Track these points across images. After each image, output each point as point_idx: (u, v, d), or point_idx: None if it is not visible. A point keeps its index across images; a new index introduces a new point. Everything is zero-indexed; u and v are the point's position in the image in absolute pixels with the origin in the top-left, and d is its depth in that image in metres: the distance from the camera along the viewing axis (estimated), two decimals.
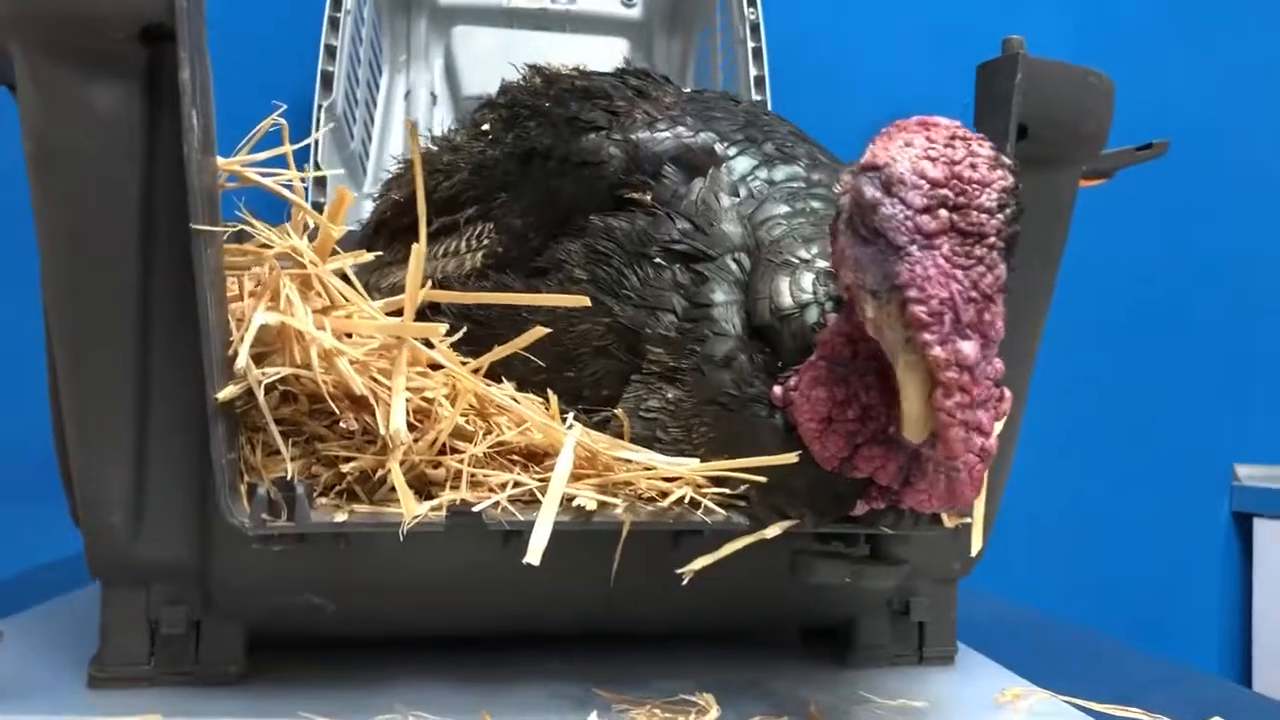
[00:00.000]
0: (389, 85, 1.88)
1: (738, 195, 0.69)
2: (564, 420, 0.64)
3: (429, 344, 0.61)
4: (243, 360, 0.55)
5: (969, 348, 0.48)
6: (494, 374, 0.67)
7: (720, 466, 0.61)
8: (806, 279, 0.61)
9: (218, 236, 0.57)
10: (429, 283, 0.59)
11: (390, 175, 0.99)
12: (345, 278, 0.62)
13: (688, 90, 0.83)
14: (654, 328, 0.66)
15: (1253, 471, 2.06)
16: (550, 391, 0.65)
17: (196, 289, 0.55)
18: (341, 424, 0.59)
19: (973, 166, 0.49)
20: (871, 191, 0.50)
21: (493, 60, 1.87)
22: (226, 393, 0.55)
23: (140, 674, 0.63)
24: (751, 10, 1.69)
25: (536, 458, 0.63)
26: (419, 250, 0.59)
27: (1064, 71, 0.68)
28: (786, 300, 0.61)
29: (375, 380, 0.59)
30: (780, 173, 0.70)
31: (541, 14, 1.88)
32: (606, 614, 0.70)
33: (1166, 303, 1.98)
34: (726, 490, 0.62)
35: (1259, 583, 2.03)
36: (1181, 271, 1.98)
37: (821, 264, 0.62)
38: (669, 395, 0.65)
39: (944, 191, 0.49)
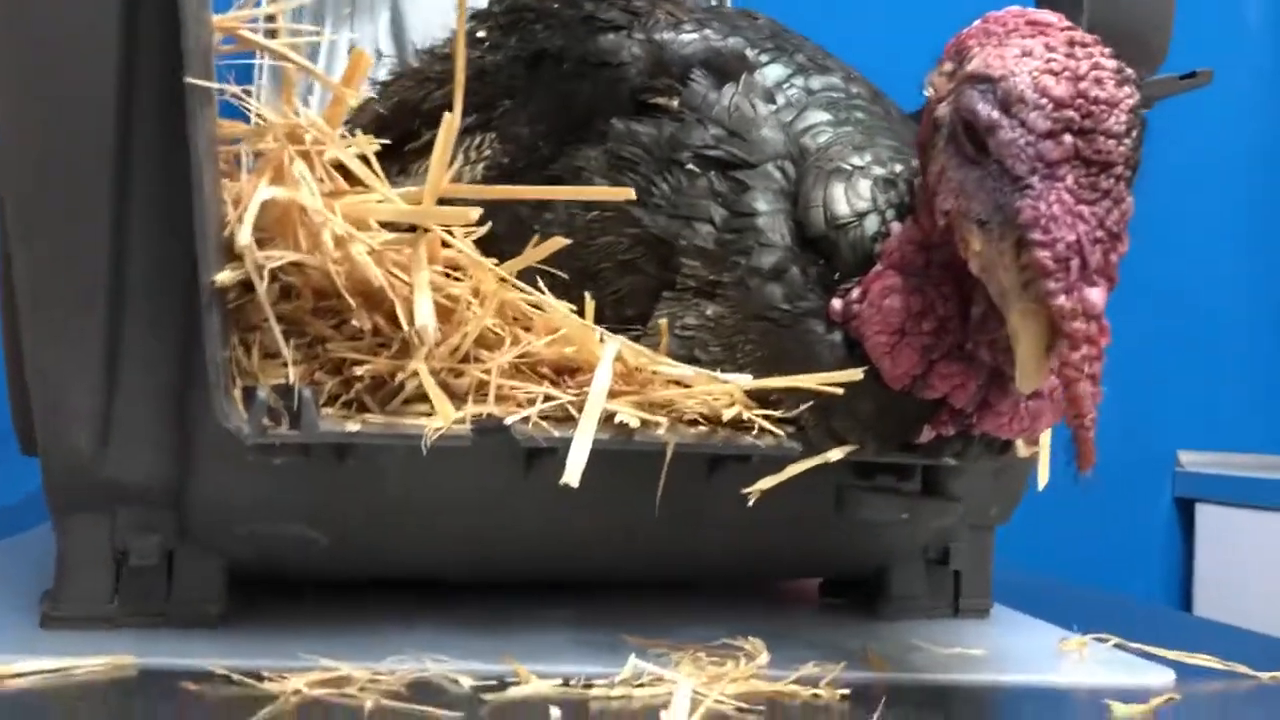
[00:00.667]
0: (331, 39, 1.79)
1: (774, 103, 0.63)
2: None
3: (446, 245, 0.54)
4: (245, 236, 0.47)
5: (1096, 295, 0.43)
6: None
7: (775, 384, 0.54)
8: (864, 185, 0.56)
9: (214, 99, 0.49)
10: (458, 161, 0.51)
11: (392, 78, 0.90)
12: (363, 159, 0.54)
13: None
14: (690, 239, 0.60)
15: (1195, 458, 2.07)
16: (588, 297, 0.58)
17: (190, 153, 0.47)
18: (353, 322, 0.51)
19: (1098, 82, 0.44)
20: (987, 109, 0.45)
21: (439, 17, 1.79)
22: (224, 276, 0.47)
23: (102, 613, 0.54)
24: None
25: (569, 371, 0.56)
26: (451, 121, 0.51)
27: None
28: (843, 208, 0.56)
29: (392, 274, 0.52)
30: (817, 82, 0.65)
31: None
32: (628, 555, 0.63)
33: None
34: (778, 414, 0.56)
35: (1200, 568, 2.04)
36: (1125, 258, 1.98)
37: (878, 170, 0.56)
38: (708, 311, 0.59)
39: (1070, 113, 0.44)
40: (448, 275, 0.55)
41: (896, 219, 0.54)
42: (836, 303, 0.55)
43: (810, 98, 0.64)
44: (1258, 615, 1.89)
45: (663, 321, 0.59)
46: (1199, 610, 2.04)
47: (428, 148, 0.73)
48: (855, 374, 0.52)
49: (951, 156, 0.48)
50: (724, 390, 0.55)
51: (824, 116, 0.62)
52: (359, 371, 0.51)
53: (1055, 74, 0.44)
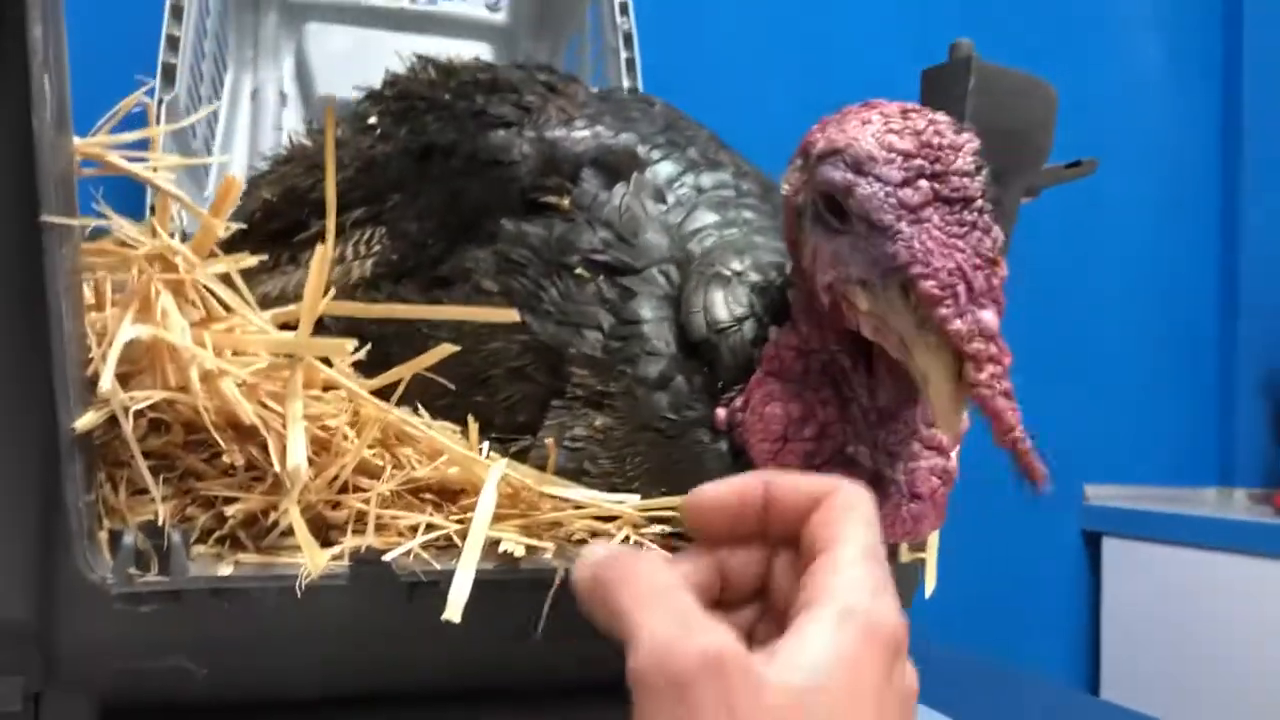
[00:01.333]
0: (234, 83, 1.75)
1: (664, 202, 0.63)
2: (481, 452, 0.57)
3: (327, 362, 0.53)
4: (107, 382, 0.45)
5: (988, 315, 0.44)
6: (388, 398, 0.58)
7: (663, 503, 0.54)
8: (741, 292, 0.57)
9: (74, 232, 0.47)
10: (331, 291, 0.50)
11: (257, 172, 0.88)
12: (229, 283, 0.52)
13: (595, 89, 0.77)
14: (578, 346, 0.59)
15: (1101, 491, 2.12)
16: (470, 420, 0.57)
17: (47, 294, 0.45)
18: (224, 458, 0.50)
19: (938, 133, 0.47)
20: (841, 175, 0.47)
21: (348, 60, 1.77)
22: (85, 420, 0.45)
23: None
24: (624, 20, 1.64)
25: (450, 495, 0.55)
26: (323, 252, 0.50)
27: (1015, 79, 0.64)
28: (723, 313, 0.56)
29: (265, 405, 0.50)
30: (707, 179, 0.65)
31: (400, 14, 1.78)
32: (516, 669, 0.62)
33: (1014, 324, 2.02)
34: (667, 528, 0.55)
35: (1107, 599, 2.09)
36: (1029, 292, 2.03)
37: (754, 277, 0.57)
38: (597, 423, 0.59)
39: (919, 161, 0.46)
40: (324, 393, 0.53)
41: (774, 324, 0.55)
42: (721, 411, 0.55)
43: (700, 196, 0.64)
44: (1163, 647, 1.94)
45: (549, 440, 0.58)
46: (1105, 640, 2.08)
47: (316, 238, 0.72)
48: None
49: (819, 234, 0.49)
50: (613, 511, 0.54)
51: (712, 218, 0.62)
52: (230, 511, 0.49)
53: (896, 132, 0.47)
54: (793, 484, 0.42)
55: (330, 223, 0.51)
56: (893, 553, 0.57)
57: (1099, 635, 2.10)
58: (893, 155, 0.46)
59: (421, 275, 0.65)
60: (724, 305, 0.56)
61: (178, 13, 1.47)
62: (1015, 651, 2.04)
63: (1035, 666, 2.05)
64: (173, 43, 1.45)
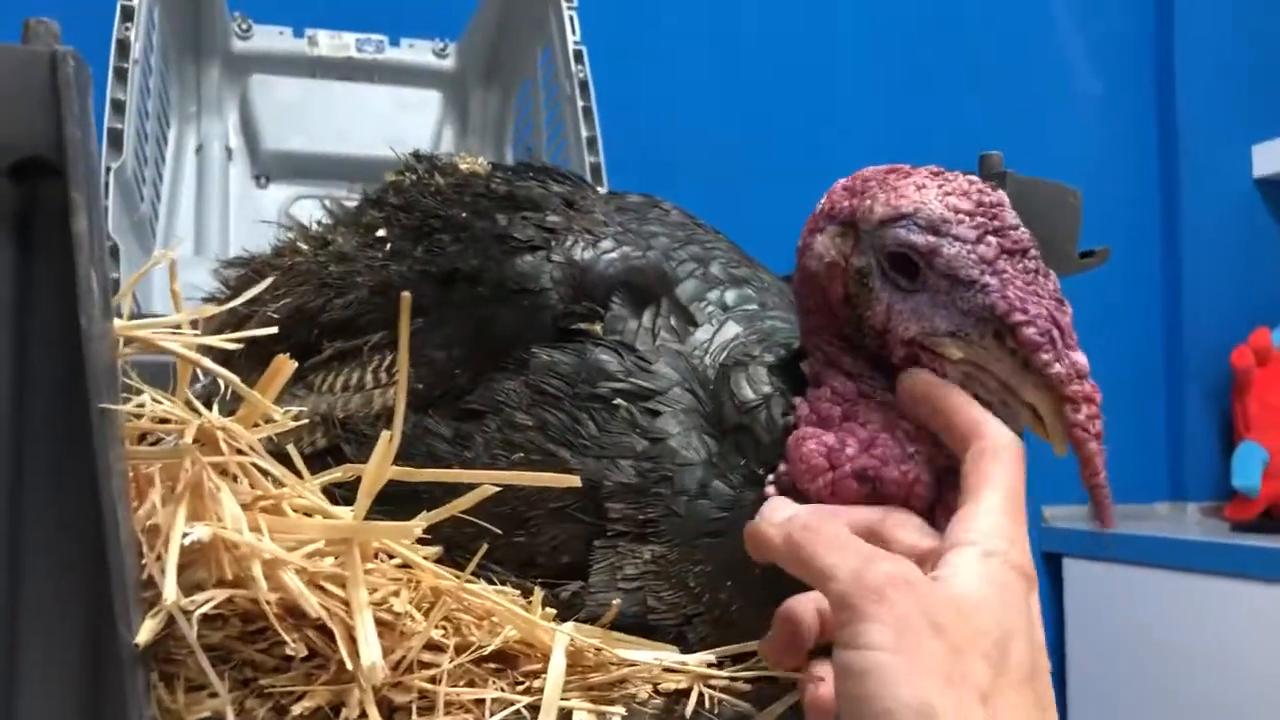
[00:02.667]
0: (178, 139, 1.70)
1: (694, 324, 0.62)
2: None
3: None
4: (171, 592, 0.42)
5: (1081, 357, 0.49)
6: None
7: (735, 650, 0.53)
8: (761, 371, 0.58)
9: (120, 425, 0.44)
10: (389, 467, 0.47)
11: (243, 271, 0.84)
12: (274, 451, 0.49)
13: (604, 191, 0.75)
14: (613, 476, 0.58)
15: (1059, 512, 2.15)
16: (537, 591, 0.55)
17: (102, 497, 0.42)
18: (287, 649, 0.47)
19: (982, 192, 0.51)
20: (921, 238, 0.50)
21: (295, 112, 1.73)
22: (147, 632, 0.43)
23: None
24: (580, 68, 1.62)
25: (510, 659, 0.53)
26: (389, 439, 0.47)
27: (1047, 189, 0.65)
28: (748, 393, 0.58)
29: (323, 589, 0.48)
30: (731, 295, 0.65)
31: (347, 63, 1.75)
32: None
33: None
34: (740, 670, 0.54)
35: (1070, 619, 2.12)
36: None
37: (769, 358, 0.59)
38: (646, 555, 0.57)
39: (981, 219, 0.50)
40: (376, 560, 0.51)
41: (797, 395, 0.57)
42: (769, 489, 0.56)
43: (725, 313, 0.63)
44: (1127, 664, 1.98)
45: (615, 602, 0.56)
46: (1070, 660, 2.11)
47: (330, 362, 0.70)
48: None
49: (891, 293, 0.52)
50: (678, 666, 0.53)
51: (738, 329, 0.62)
52: (297, 710, 0.46)
53: (953, 194, 0.51)
54: (945, 419, 0.50)
55: (398, 421, 0.48)
56: None
57: (1064, 655, 2.13)
58: (961, 215, 0.50)
59: (448, 406, 0.63)
60: (747, 386, 0.58)
61: (121, 75, 1.42)
62: None
63: None
64: (118, 107, 1.40)
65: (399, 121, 1.78)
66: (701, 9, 2.02)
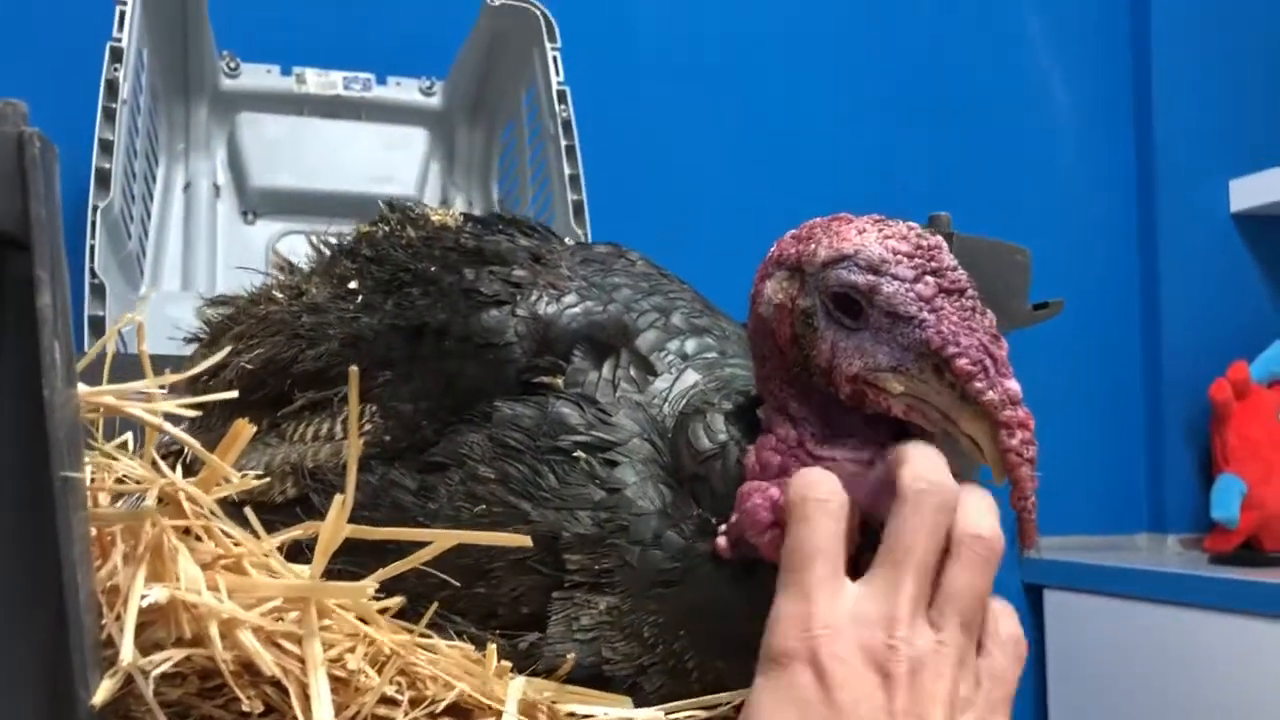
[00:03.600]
0: (166, 176, 1.72)
1: (653, 374, 0.63)
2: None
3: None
4: (128, 653, 0.43)
5: (1014, 385, 0.51)
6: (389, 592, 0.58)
7: (685, 704, 0.54)
8: (717, 420, 0.60)
9: (82, 491, 0.46)
10: (344, 535, 0.49)
11: (228, 311, 0.85)
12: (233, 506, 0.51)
13: (571, 242, 0.77)
14: (571, 528, 0.59)
15: (1039, 543, 2.16)
16: (491, 646, 0.57)
17: (63, 562, 0.43)
18: (243, 707, 0.48)
19: (920, 235, 0.54)
20: (861, 277, 0.53)
21: (282, 149, 1.75)
22: (103, 692, 0.44)
23: None
24: (563, 108, 1.65)
25: (466, 713, 0.54)
26: (342, 501, 0.49)
27: (994, 249, 0.66)
28: (704, 443, 0.59)
29: (279, 647, 0.49)
30: (691, 344, 0.66)
31: (335, 101, 1.77)
32: None
33: None
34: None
35: (1050, 650, 2.13)
36: None
37: (728, 405, 0.60)
38: (602, 606, 0.59)
39: (919, 261, 0.53)
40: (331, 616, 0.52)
41: (752, 443, 0.58)
42: (721, 540, 0.57)
43: (685, 362, 0.65)
44: (1108, 696, 1.99)
45: (570, 656, 0.57)
46: (1052, 692, 2.12)
47: (301, 412, 0.71)
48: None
49: (835, 331, 0.54)
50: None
51: (696, 377, 0.64)
52: None
53: (891, 238, 0.54)
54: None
55: (350, 482, 0.50)
56: None
57: (1044, 686, 2.14)
58: (899, 256, 0.53)
59: (413, 458, 0.64)
60: (704, 435, 0.59)
61: (110, 115, 1.44)
62: None
63: None
64: (105, 147, 1.43)
65: (385, 158, 1.80)
66: (685, 50, 2.04)
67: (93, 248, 1.37)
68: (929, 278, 0.53)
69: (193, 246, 1.71)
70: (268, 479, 0.56)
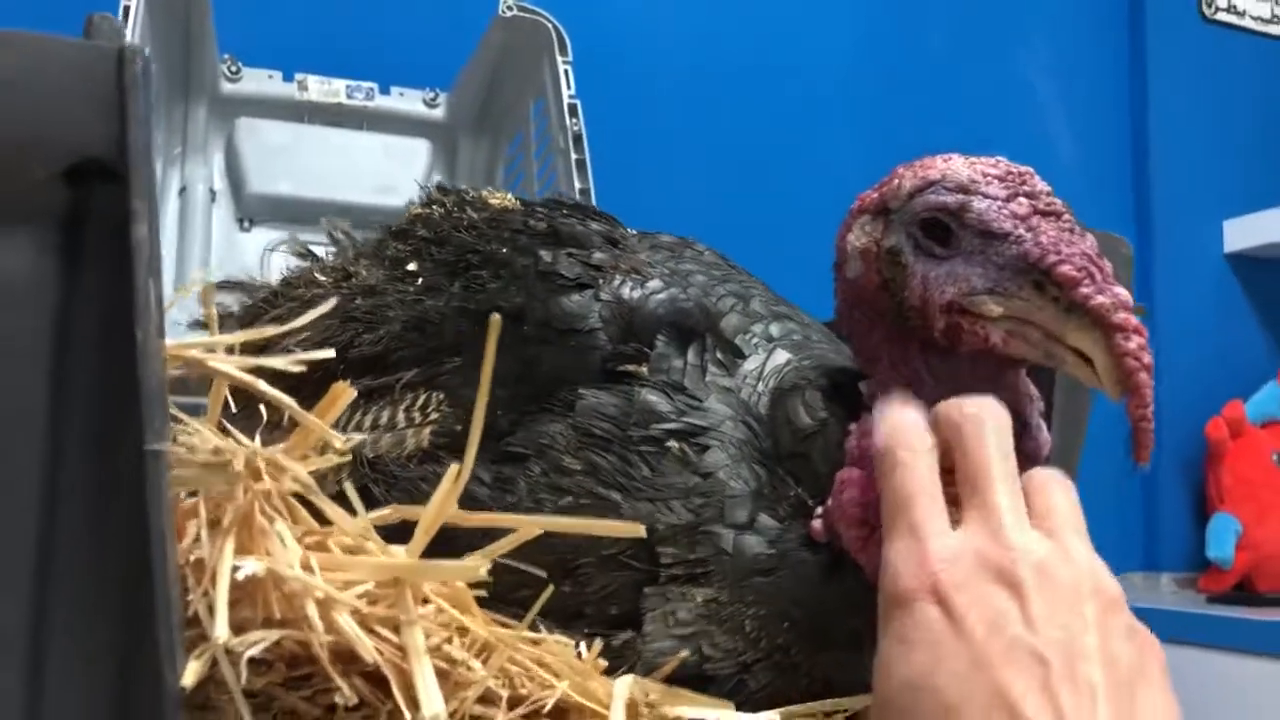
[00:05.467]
0: (162, 179, 1.66)
1: (741, 357, 0.60)
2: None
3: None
4: (223, 630, 0.39)
5: (1124, 291, 0.48)
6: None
7: (799, 709, 0.50)
8: (816, 397, 0.57)
9: (169, 455, 0.41)
10: (453, 507, 0.44)
11: (246, 315, 0.80)
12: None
13: (634, 231, 0.73)
14: (665, 519, 0.55)
15: None
16: (596, 641, 0.52)
17: (150, 530, 0.39)
18: (336, 698, 0.43)
19: (1008, 164, 0.52)
20: (952, 197, 0.51)
21: (282, 156, 1.70)
22: (192, 675, 0.39)
23: None
24: (574, 121, 1.61)
25: (563, 715, 0.50)
26: (457, 472, 0.45)
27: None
28: (805, 420, 0.56)
29: (374, 633, 0.44)
30: (776, 328, 0.63)
31: (338, 109, 1.73)
32: None
33: None
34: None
35: None
36: None
37: (824, 382, 0.57)
38: (699, 599, 0.55)
39: (1010, 182, 0.51)
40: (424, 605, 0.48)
41: (854, 422, 0.55)
42: (816, 523, 0.54)
43: (771, 344, 0.62)
44: None
45: (682, 655, 0.53)
46: None
47: (357, 400, 0.66)
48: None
49: (925, 263, 0.52)
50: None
51: (788, 356, 0.61)
52: None
53: (979, 164, 0.52)
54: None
55: (470, 454, 0.45)
56: None
57: None
58: (989, 178, 0.51)
59: (489, 448, 0.60)
60: (803, 412, 0.56)
61: None
62: None
63: None
64: None
65: (387, 169, 1.76)
66: (696, 63, 2.03)
67: None
68: (1022, 199, 0.50)
69: (187, 252, 1.66)
70: (393, 440, 0.52)
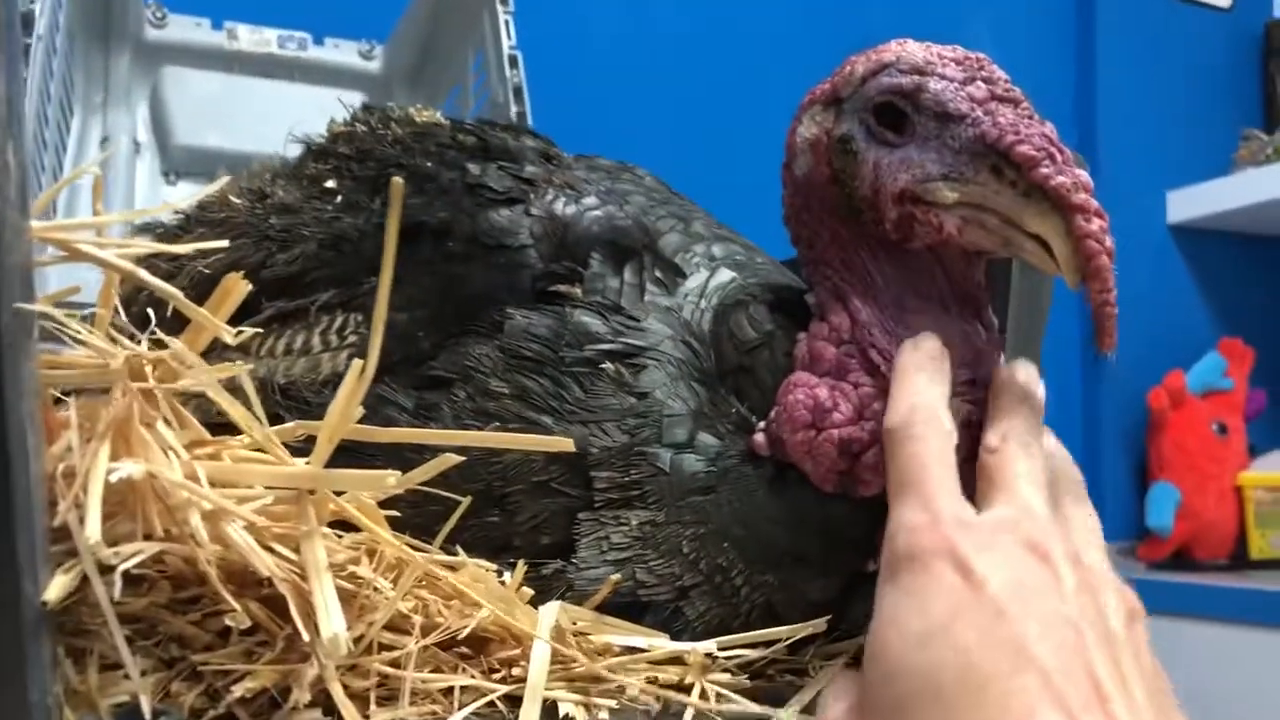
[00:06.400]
0: (81, 129, 1.59)
1: (682, 276, 0.56)
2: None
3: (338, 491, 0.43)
4: (95, 531, 0.34)
5: (1084, 173, 0.45)
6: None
7: (739, 639, 0.46)
8: (761, 310, 0.54)
9: (34, 334, 0.36)
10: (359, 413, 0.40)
11: (174, 226, 0.75)
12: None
13: (573, 156, 0.69)
14: (599, 441, 0.52)
15: None
16: (518, 564, 0.48)
17: (8, 414, 0.34)
18: (227, 620, 0.39)
19: (965, 50, 0.49)
20: (907, 79, 0.48)
21: (210, 108, 1.63)
22: (56, 588, 0.35)
23: None
24: (514, 73, 1.56)
25: (480, 643, 0.46)
26: (360, 367, 0.40)
27: None
28: (750, 332, 0.53)
29: (271, 550, 0.40)
30: (719, 248, 0.60)
31: (268, 59, 1.66)
32: None
33: None
34: (750, 655, 0.48)
35: None
36: None
37: (770, 296, 0.55)
38: (634, 522, 0.51)
39: (968, 66, 0.48)
40: (338, 535, 0.43)
41: (800, 332, 0.52)
42: (759, 436, 0.51)
43: (714, 262, 0.58)
44: None
45: (615, 576, 0.49)
46: None
47: (270, 323, 0.62)
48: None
49: (878, 150, 0.49)
50: (675, 651, 0.46)
51: (731, 275, 0.58)
52: (238, 691, 0.38)
53: (935, 47, 0.49)
54: None
55: (373, 355, 0.41)
56: None
57: None
58: (946, 61, 0.48)
59: (408, 373, 0.55)
60: (748, 325, 0.54)
61: (24, 50, 1.32)
62: None
63: None
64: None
65: (319, 123, 1.69)
66: (641, 14, 1.99)
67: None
68: (980, 83, 0.48)
69: (108, 204, 1.58)
70: (308, 365, 0.48)
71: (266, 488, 0.39)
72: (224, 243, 0.55)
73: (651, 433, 0.52)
